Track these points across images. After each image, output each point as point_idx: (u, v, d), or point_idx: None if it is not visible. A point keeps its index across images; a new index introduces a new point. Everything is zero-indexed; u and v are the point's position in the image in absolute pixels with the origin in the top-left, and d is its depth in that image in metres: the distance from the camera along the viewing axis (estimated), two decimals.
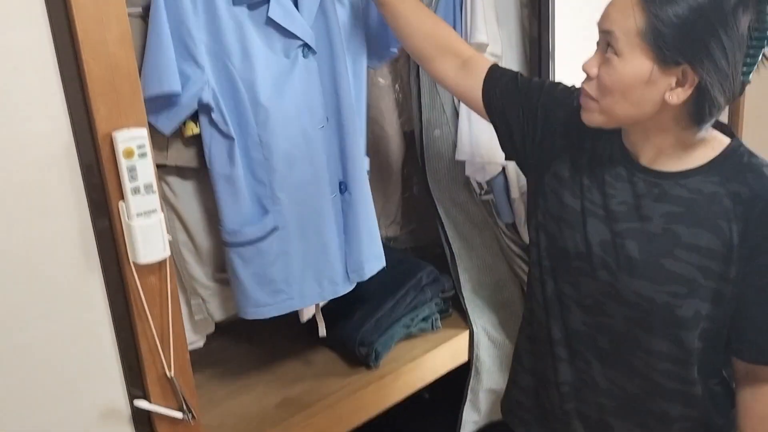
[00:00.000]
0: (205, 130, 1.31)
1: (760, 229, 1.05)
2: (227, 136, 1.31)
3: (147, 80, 1.19)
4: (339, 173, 1.48)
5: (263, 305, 1.41)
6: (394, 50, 1.56)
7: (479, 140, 1.70)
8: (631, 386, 1.19)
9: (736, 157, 1.09)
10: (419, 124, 1.78)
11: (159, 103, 1.22)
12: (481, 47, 1.64)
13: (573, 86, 1.29)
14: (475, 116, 1.69)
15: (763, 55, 1.03)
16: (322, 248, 1.46)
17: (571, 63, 1.68)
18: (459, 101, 1.71)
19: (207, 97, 1.27)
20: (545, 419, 1.34)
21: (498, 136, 1.37)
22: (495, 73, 1.33)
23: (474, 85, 1.34)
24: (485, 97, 1.33)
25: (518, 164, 1.40)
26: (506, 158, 1.40)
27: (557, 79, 1.67)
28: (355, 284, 1.53)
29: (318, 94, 1.41)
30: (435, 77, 1.43)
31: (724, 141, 1.11)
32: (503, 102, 1.31)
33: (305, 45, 1.36)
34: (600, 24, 1.07)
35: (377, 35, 1.52)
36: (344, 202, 1.50)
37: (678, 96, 1.02)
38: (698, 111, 1.04)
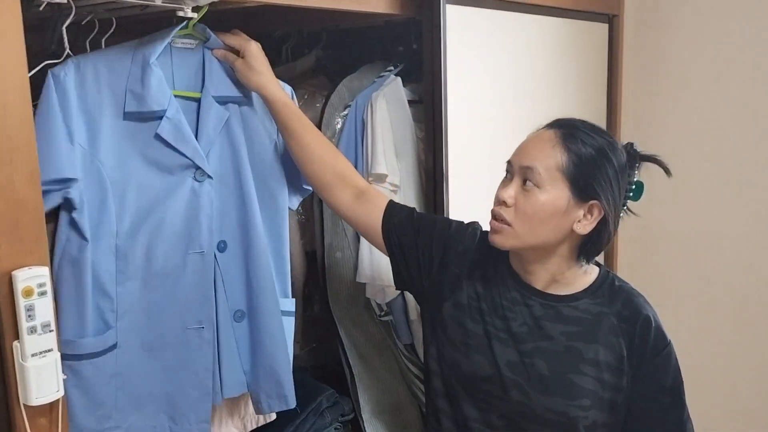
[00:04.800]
0: (62, 229, 1.26)
1: (642, 342, 1.20)
2: (83, 238, 1.27)
3: (42, 165, 1.14)
4: (240, 302, 1.46)
5: (89, 431, 1.30)
6: (309, 187, 1.60)
7: (380, 263, 1.76)
8: None
9: (608, 282, 1.26)
10: (321, 247, 1.83)
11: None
12: (381, 178, 1.73)
13: (466, 222, 1.40)
14: None
15: (627, 206, 1.25)
16: (178, 380, 1.39)
17: (463, 191, 1.81)
18: None
19: (74, 194, 1.24)
20: None
21: (393, 267, 1.44)
22: (393, 208, 1.43)
23: (370, 216, 1.43)
24: (384, 230, 1.41)
25: (413, 294, 1.47)
26: (397, 288, 1.48)
27: (451, 205, 1.79)
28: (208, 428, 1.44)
29: (205, 220, 1.39)
30: (331, 205, 1.50)
31: (596, 269, 1.28)
32: (400, 237, 1.39)
33: (197, 168, 1.37)
34: (517, 160, 1.21)
35: (295, 172, 1.56)
36: (242, 329, 1.47)
37: (585, 227, 1.18)
38: (597, 240, 1.21)
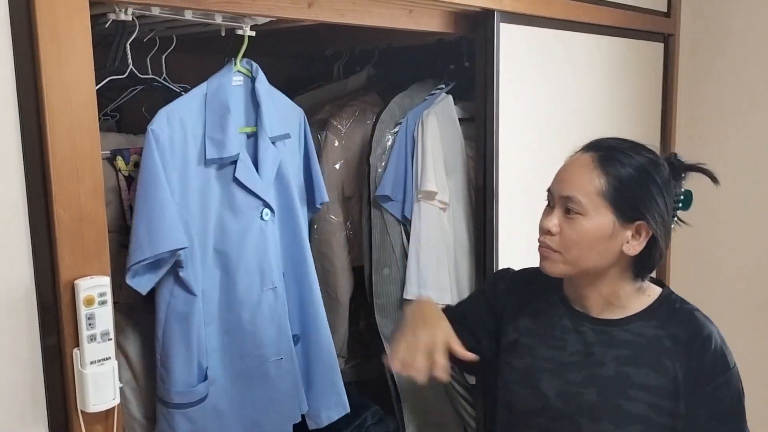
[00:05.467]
0: (166, 285, 1.31)
1: (699, 365, 1.13)
2: (192, 293, 1.32)
3: (153, 238, 1.21)
4: (295, 327, 1.52)
5: None
6: (320, 206, 1.65)
7: (427, 281, 1.76)
8: None
9: (669, 303, 1.20)
10: (369, 263, 1.83)
11: (144, 265, 1.23)
12: (431, 195, 1.74)
13: (494, 273, 1.38)
14: (423, 258, 1.77)
15: (677, 217, 1.20)
16: (263, 407, 1.45)
17: (512, 210, 1.79)
18: (408, 241, 1.79)
19: (182, 254, 1.29)
20: None
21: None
22: None
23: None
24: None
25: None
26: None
27: (501, 224, 1.78)
28: None
29: (273, 256, 1.45)
30: None
31: (657, 290, 1.22)
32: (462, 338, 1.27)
33: (266, 205, 1.42)
34: (557, 190, 1.17)
35: (310, 191, 1.61)
36: (297, 352, 1.52)
37: (634, 248, 1.14)
38: (649, 260, 1.16)
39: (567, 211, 1.15)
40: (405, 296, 1.79)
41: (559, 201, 1.17)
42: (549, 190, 1.21)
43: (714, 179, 1.19)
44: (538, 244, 1.20)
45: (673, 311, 1.19)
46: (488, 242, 1.79)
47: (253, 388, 1.45)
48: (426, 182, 1.72)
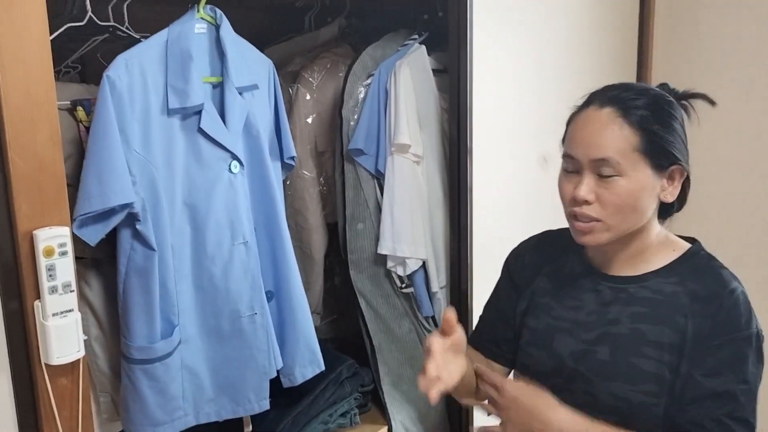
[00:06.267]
0: (125, 239, 1.29)
1: (714, 322, 1.06)
2: (150, 248, 1.30)
3: (103, 190, 1.18)
4: (268, 283, 1.50)
5: (161, 424, 1.36)
6: (289, 161, 1.60)
7: (401, 235, 1.75)
8: None
9: (695, 259, 1.14)
10: (343, 218, 1.82)
11: (92, 216, 1.20)
12: (404, 148, 1.71)
13: (516, 247, 1.33)
14: (397, 212, 1.75)
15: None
16: (238, 365, 1.44)
17: (488, 163, 1.78)
18: (382, 196, 1.77)
19: (137, 207, 1.26)
20: None
21: None
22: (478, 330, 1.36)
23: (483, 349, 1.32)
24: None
25: None
26: None
27: (476, 178, 1.77)
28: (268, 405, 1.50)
29: (243, 210, 1.42)
30: None
31: (685, 246, 1.16)
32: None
33: (233, 158, 1.39)
34: (585, 155, 1.08)
35: (281, 146, 1.57)
36: (272, 309, 1.50)
37: (672, 194, 1.10)
38: (681, 200, 1.14)
39: (599, 175, 1.08)
40: (379, 251, 1.78)
41: (590, 165, 1.08)
42: (569, 155, 1.11)
43: (711, 102, 1.14)
44: (569, 215, 1.13)
45: (697, 267, 1.12)
46: (462, 196, 1.78)
47: (228, 345, 1.43)
48: (399, 135, 1.70)
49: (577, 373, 1.14)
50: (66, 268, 1.03)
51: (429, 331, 1.87)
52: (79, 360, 1.08)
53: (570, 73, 2.01)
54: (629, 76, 2.25)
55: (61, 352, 1.04)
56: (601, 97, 1.11)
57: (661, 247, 1.15)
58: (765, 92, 2.09)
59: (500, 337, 1.29)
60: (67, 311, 1.04)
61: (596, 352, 1.13)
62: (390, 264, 1.80)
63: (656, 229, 1.15)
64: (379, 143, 1.75)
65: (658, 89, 1.13)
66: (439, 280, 1.82)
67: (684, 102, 1.14)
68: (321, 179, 1.92)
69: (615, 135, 1.06)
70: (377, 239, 1.79)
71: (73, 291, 1.04)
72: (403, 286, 1.84)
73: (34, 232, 1.00)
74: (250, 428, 1.57)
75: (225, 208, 1.40)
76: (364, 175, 1.78)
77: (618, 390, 1.10)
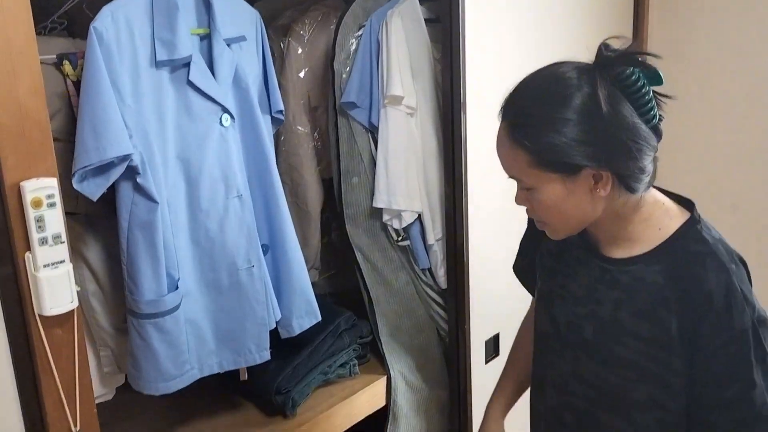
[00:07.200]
0: (126, 195, 1.28)
1: (701, 321, 1.01)
2: (153, 201, 1.29)
3: (99, 142, 1.17)
4: (263, 237, 1.50)
5: (172, 378, 1.38)
6: (277, 114, 1.59)
7: (396, 188, 1.75)
8: None
9: (684, 242, 1.06)
10: (337, 172, 1.81)
11: (91, 169, 1.20)
12: (397, 100, 1.70)
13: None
14: (392, 165, 1.75)
15: (655, 93, 1.01)
16: (238, 317, 1.45)
17: (482, 114, 1.77)
18: (376, 150, 1.76)
19: (136, 160, 1.25)
20: None
21: None
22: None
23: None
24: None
25: None
26: None
27: (470, 131, 1.75)
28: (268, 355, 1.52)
29: (236, 164, 1.42)
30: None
31: (676, 223, 1.08)
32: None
33: (224, 111, 1.38)
34: (505, 172, 1.09)
35: (269, 99, 1.56)
36: (267, 262, 1.51)
37: (604, 189, 1.02)
38: (628, 185, 1.03)
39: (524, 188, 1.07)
40: (374, 205, 1.78)
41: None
42: None
43: (653, 55, 1.04)
44: None
45: (682, 254, 1.05)
46: (456, 147, 1.77)
47: (227, 299, 1.45)
48: (392, 86, 1.68)
49: (569, 343, 1.16)
50: (55, 220, 1.03)
51: (426, 284, 1.88)
52: (73, 311, 1.09)
53: (569, 20, 1.98)
54: (626, 26, 2.21)
55: (54, 303, 1.05)
56: (505, 108, 1.06)
57: (646, 227, 1.08)
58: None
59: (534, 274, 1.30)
60: (58, 262, 1.04)
61: (584, 329, 1.13)
62: (386, 217, 1.80)
63: (634, 208, 1.07)
64: (372, 96, 1.74)
65: (562, 89, 1.00)
66: (435, 233, 1.82)
67: (623, 68, 0.99)
68: (315, 134, 1.91)
69: (509, 155, 1.04)
70: (372, 193, 1.78)
71: (64, 242, 1.04)
72: (400, 239, 1.84)
73: (21, 183, 1.00)
74: (246, 376, 1.59)
75: (218, 162, 1.39)
76: (357, 128, 1.77)
77: (598, 370, 1.11)
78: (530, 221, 1.25)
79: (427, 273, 1.87)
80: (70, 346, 1.10)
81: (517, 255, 1.37)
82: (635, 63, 0.98)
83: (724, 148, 2.24)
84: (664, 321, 1.03)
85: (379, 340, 1.82)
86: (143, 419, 1.63)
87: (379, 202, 1.77)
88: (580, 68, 1.00)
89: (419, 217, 1.80)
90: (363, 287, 1.84)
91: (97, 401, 1.25)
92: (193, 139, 1.36)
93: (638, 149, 0.99)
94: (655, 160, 1.03)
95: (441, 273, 1.86)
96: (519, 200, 1.09)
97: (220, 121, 1.38)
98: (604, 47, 0.99)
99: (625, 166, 0.99)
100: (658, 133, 1.02)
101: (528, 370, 1.31)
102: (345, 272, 2.02)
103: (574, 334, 1.15)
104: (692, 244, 1.05)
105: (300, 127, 1.87)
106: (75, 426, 1.11)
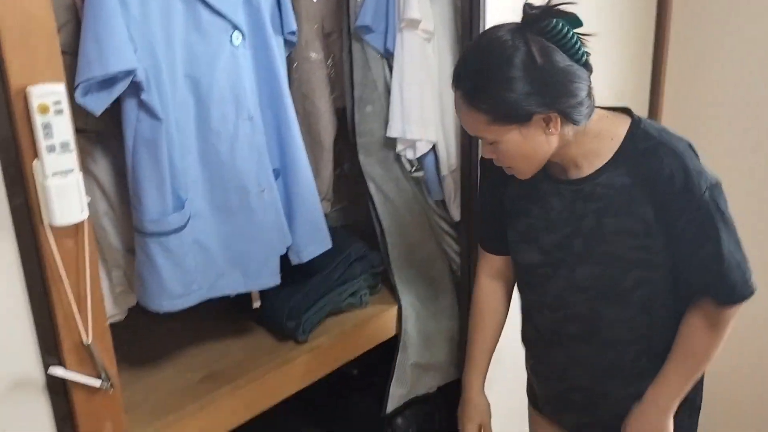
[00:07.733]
0: (130, 112, 1.25)
1: (669, 200, 1.20)
2: (157, 118, 1.26)
3: (103, 54, 1.14)
4: (275, 161, 1.47)
5: (178, 297, 1.38)
6: (292, 37, 1.55)
7: (410, 117, 1.71)
8: (601, 360, 1.35)
9: (634, 143, 1.23)
10: (351, 101, 1.77)
11: (95, 83, 1.16)
12: (414, 23, 1.65)
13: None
14: (407, 93, 1.71)
15: (578, 35, 1.16)
16: (248, 240, 1.44)
17: None
18: (390, 77, 1.72)
19: (140, 76, 1.22)
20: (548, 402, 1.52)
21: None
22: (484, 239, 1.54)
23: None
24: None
25: None
26: None
27: None
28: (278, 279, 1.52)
29: (247, 85, 1.38)
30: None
31: (623, 131, 1.25)
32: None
33: (234, 27, 1.33)
34: (469, 132, 1.25)
35: (281, 19, 1.51)
36: (279, 187, 1.49)
37: (555, 127, 1.18)
38: (573, 119, 1.19)
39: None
40: (388, 134, 1.74)
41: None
42: None
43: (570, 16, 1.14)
44: None
45: (637, 153, 1.22)
46: None
47: (237, 222, 1.43)
48: (409, 9, 1.63)
49: (562, 261, 1.31)
50: (63, 127, 1.00)
51: (439, 216, 1.86)
52: (83, 222, 1.07)
53: None
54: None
55: (64, 213, 1.03)
56: (456, 76, 1.20)
57: (600, 141, 1.24)
58: None
59: (501, 234, 1.43)
60: (67, 171, 1.02)
61: (572, 245, 1.29)
62: (399, 147, 1.77)
63: (584, 131, 1.22)
64: (388, 19, 1.69)
65: (502, 50, 1.13)
66: (449, 164, 1.79)
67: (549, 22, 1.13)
68: (329, 62, 1.86)
69: (468, 118, 1.20)
70: (386, 122, 1.75)
71: (72, 151, 1.02)
72: (413, 169, 1.81)
73: (27, 88, 0.98)
74: (259, 303, 1.60)
75: (228, 82, 1.36)
76: (372, 54, 1.73)
77: (594, 272, 1.29)
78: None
79: (440, 205, 1.85)
80: (81, 257, 1.09)
81: (482, 226, 1.52)
82: (556, 14, 1.13)
83: (751, 144, 2.16)
84: (641, 212, 1.21)
85: (391, 271, 1.81)
86: (153, 340, 1.64)
87: (393, 132, 1.73)
88: (512, 30, 1.15)
89: (434, 148, 1.77)
90: (375, 218, 1.82)
91: (109, 321, 1.25)
92: (202, 57, 1.32)
93: (575, 87, 1.15)
94: (590, 89, 1.19)
95: (454, 205, 1.84)
96: (485, 153, 1.25)
97: (231, 40, 1.34)
98: (528, 7, 1.14)
99: (567, 104, 1.15)
100: (588, 67, 1.18)
101: (494, 334, 1.52)
102: (358, 204, 2.00)
103: (565, 252, 1.30)
104: (642, 142, 1.22)
105: (313, 53, 1.82)
106: (87, 337, 1.11)
